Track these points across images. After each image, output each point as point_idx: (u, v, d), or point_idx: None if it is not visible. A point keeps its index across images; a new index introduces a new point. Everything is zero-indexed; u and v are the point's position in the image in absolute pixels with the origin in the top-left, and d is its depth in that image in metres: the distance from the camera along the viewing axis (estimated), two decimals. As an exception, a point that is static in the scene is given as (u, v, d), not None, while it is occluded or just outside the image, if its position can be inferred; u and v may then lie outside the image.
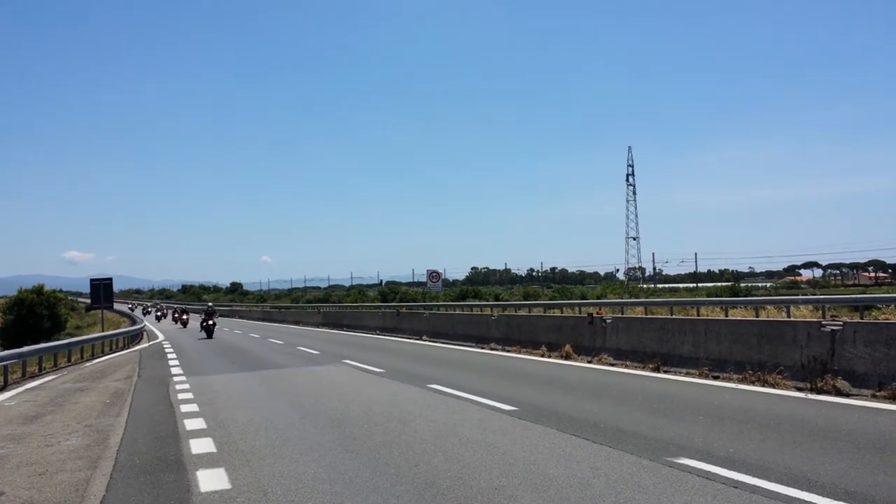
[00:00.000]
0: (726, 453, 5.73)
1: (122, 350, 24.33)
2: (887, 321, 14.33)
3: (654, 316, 22.85)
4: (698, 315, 24.95)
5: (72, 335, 39.13)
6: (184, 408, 9.49)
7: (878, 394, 8.11)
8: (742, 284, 49.95)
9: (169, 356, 19.64)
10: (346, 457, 6.15)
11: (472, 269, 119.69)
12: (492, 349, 17.24)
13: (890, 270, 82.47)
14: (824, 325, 9.21)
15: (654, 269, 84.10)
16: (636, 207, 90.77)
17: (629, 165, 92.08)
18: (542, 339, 15.59)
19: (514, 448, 6.22)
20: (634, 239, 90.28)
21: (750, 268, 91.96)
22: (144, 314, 66.33)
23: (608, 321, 13.61)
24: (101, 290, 28.96)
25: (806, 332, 9.36)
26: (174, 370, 15.21)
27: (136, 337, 30.48)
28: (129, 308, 56.07)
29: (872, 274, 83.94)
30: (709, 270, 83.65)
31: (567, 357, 14.03)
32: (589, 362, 13.23)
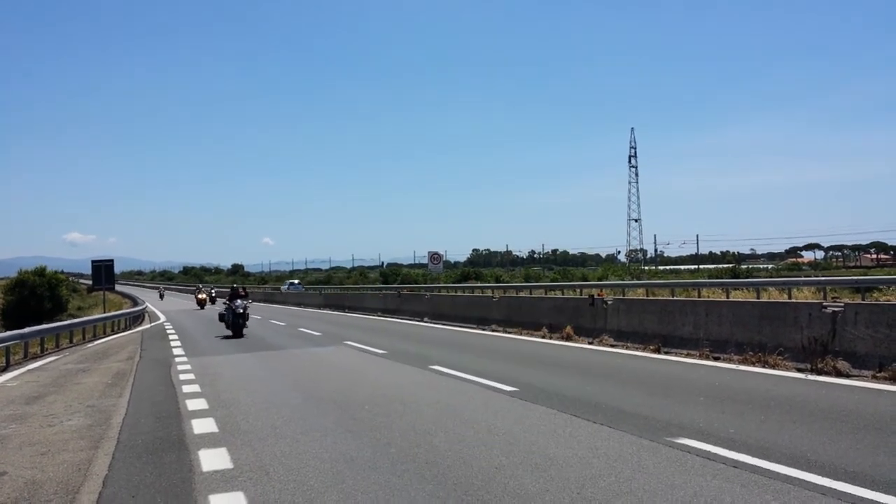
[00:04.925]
0: (727, 434, 5.74)
1: (124, 331, 24.40)
2: (889, 303, 14.35)
3: (656, 297, 22.88)
4: (699, 296, 24.96)
5: (74, 316, 39.21)
6: (185, 388, 9.52)
7: (878, 375, 8.12)
8: (743, 266, 49.59)
9: (171, 337, 19.70)
10: (347, 437, 6.17)
11: (473, 250, 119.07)
12: (493, 331, 17.27)
13: (892, 252, 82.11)
14: (825, 307, 9.20)
15: (656, 250, 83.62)
16: (638, 189, 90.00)
17: (631, 147, 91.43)
18: (544, 320, 15.61)
19: (514, 428, 6.24)
20: (636, 221, 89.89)
21: (751, 249, 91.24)
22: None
23: (609, 303, 13.61)
24: (103, 272, 29.02)
25: (807, 313, 9.35)
26: (176, 351, 15.26)
27: (137, 318, 30.57)
28: (208, 296, 42.64)
29: (874, 256, 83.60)
30: (710, 252, 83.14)
31: (568, 338, 14.05)
32: (590, 343, 13.24)
